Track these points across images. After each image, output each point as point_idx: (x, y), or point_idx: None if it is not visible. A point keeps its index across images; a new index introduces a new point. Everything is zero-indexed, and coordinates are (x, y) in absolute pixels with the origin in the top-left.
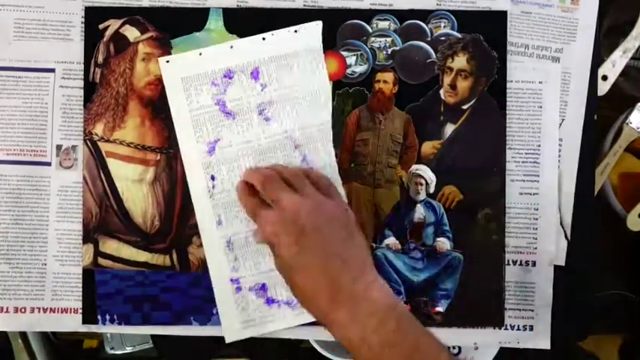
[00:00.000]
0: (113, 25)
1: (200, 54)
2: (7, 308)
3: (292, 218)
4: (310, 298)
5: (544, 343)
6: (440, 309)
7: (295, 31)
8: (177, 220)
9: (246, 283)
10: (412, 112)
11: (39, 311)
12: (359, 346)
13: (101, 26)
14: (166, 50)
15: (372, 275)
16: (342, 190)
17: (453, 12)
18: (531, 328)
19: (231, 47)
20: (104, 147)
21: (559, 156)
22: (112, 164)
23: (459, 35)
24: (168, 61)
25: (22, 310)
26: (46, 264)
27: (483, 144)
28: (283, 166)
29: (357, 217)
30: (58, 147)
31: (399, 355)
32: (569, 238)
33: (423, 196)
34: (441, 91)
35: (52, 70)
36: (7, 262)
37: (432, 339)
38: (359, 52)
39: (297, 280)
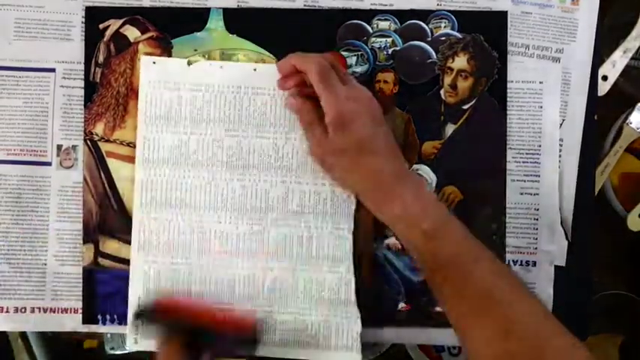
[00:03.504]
0: (113, 24)
1: (188, 63)
2: (7, 308)
3: (368, 108)
4: (373, 175)
5: None
6: (440, 309)
7: None
8: None
9: None
10: (412, 112)
11: (39, 311)
12: (421, 215)
13: (101, 26)
14: (167, 50)
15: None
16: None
17: (454, 12)
18: None
19: (221, 67)
20: (104, 147)
21: (559, 156)
22: (113, 164)
23: (459, 35)
24: (154, 62)
25: (22, 310)
26: (46, 264)
27: (484, 144)
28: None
29: (358, 217)
30: (59, 147)
31: (457, 229)
32: (570, 239)
33: None
34: (442, 92)
35: (53, 70)
36: (8, 262)
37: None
38: (359, 53)
39: (365, 160)
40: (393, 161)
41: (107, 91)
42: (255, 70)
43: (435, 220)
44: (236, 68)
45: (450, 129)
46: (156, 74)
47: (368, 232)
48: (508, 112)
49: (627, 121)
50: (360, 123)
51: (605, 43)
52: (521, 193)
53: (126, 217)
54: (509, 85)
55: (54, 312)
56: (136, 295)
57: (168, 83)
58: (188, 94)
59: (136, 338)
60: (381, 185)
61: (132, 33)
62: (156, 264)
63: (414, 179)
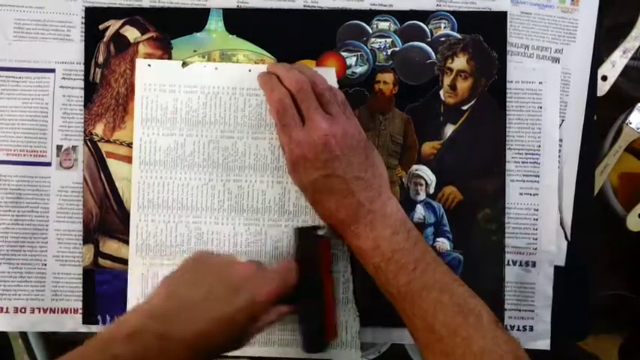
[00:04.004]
0: (113, 25)
1: (183, 65)
2: (7, 308)
3: (323, 144)
4: (331, 213)
5: (544, 343)
6: None
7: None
8: None
9: None
10: (412, 113)
11: (39, 311)
12: (372, 252)
13: (101, 26)
14: (166, 51)
15: (387, 194)
16: None
17: (453, 13)
18: (531, 328)
19: (216, 69)
20: (104, 147)
21: (559, 156)
22: (112, 164)
23: (459, 36)
24: (149, 65)
25: (22, 310)
26: (46, 264)
27: (483, 144)
28: (311, 70)
29: None
30: (59, 147)
31: (407, 259)
32: (569, 239)
33: (422, 196)
34: (441, 92)
35: (52, 71)
36: (8, 263)
37: (434, 253)
38: (359, 53)
39: (321, 198)
40: (350, 199)
41: (107, 92)
42: (250, 70)
43: (385, 255)
44: (231, 69)
45: (449, 129)
46: (151, 77)
47: None
48: (508, 113)
49: (627, 121)
50: (306, 168)
51: (604, 43)
52: (521, 194)
53: (126, 218)
54: (508, 85)
55: (54, 312)
56: (135, 298)
57: (163, 86)
58: (183, 96)
59: None
60: (337, 222)
61: (132, 33)
62: (154, 266)
63: (372, 214)
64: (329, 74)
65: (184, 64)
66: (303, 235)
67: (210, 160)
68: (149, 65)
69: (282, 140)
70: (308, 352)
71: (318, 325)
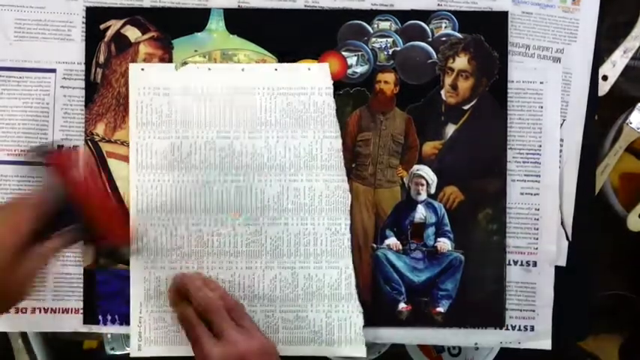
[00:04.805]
0: (114, 25)
1: (176, 68)
2: None
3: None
4: None
5: (545, 343)
6: (441, 309)
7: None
8: None
9: None
10: (413, 113)
11: (40, 311)
12: None
13: (102, 26)
14: (167, 51)
15: None
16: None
17: (454, 12)
18: (532, 328)
19: (209, 69)
20: (105, 147)
21: (560, 156)
22: (113, 164)
23: (460, 36)
24: (143, 69)
25: (23, 310)
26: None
27: (484, 144)
28: (221, 290)
29: (358, 217)
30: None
31: None
32: (570, 239)
33: (424, 196)
34: (442, 92)
35: (53, 71)
36: None
37: None
38: (360, 53)
39: None
40: None
41: (108, 92)
42: (243, 70)
43: None
44: (224, 69)
45: (450, 129)
46: (145, 81)
47: (365, 227)
48: (509, 112)
49: (627, 121)
50: None
51: (605, 42)
52: (522, 193)
53: (126, 217)
54: (509, 85)
55: (55, 312)
56: (138, 301)
57: (157, 89)
58: (178, 99)
59: (140, 345)
60: None
61: (132, 33)
62: (155, 269)
63: None
64: (322, 70)
65: (182, 65)
66: (36, 161)
67: (206, 162)
68: (142, 69)
69: (197, 356)
70: (106, 263)
71: (96, 237)
